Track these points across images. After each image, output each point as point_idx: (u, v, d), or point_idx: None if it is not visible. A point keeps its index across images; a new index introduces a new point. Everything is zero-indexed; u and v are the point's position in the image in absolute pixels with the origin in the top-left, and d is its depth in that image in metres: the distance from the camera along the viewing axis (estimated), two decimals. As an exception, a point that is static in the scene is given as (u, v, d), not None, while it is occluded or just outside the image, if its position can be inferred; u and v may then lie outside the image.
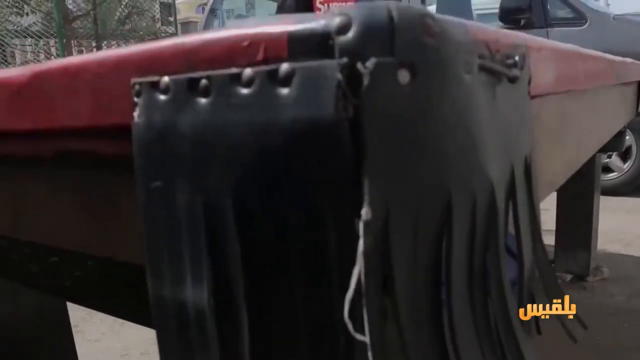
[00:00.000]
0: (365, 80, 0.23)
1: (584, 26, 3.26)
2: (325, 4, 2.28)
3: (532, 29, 3.35)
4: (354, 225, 0.24)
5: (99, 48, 6.35)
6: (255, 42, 0.26)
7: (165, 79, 0.30)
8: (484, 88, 0.29)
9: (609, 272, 2.14)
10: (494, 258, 0.30)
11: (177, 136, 0.29)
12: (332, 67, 0.23)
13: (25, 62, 5.99)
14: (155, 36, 6.87)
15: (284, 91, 0.25)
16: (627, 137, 3.10)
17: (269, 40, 0.26)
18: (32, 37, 5.80)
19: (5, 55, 5.83)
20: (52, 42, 5.89)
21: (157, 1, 7.00)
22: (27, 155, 0.43)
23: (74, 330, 1.14)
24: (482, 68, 0.29)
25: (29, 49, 5.97)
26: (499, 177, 0.31)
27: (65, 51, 5.66)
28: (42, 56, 6.06)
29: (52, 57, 5.97)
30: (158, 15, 7.07)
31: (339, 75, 0.23)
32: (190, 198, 0.30)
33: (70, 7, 5.80)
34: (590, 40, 3.21)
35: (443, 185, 0.26)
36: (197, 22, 6.70)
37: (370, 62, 0.23)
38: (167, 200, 0.31)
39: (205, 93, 0.28)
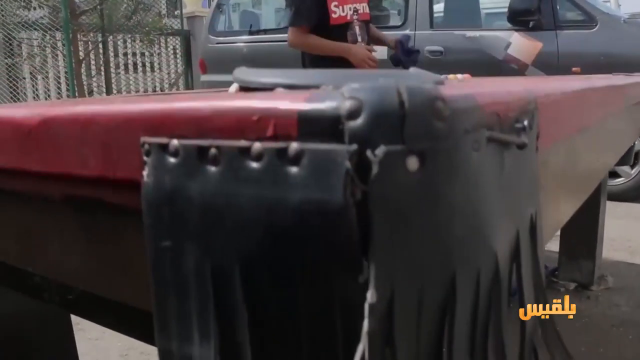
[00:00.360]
0: (374, 169, 0.23)
1: (594, 29, 3.23)
2: (340, 6, 2.28)
3: (540, 30, 3.33)
4: (359, 306, 0.24)
5: (104, 42, 6.35)
6: (265, 117, 0.26)
7: (175, 142, 0.30)
8: (492, 159, 0.29)
9: (613, 282, 2.13)
10: (496, 327, 0.30)
11: (186, 200, 0.30)
12: (341, 154, 0.24)
13: (31, 56, 6.00)
14: (161, 32, 6.85)
15: (293, 170, 0.25)
16: (636, 142, 3.08)
17: (279, 118, 0.26)
18: (38, 29, 5.80)
19: (12, 48, 5.85)
20: (58, 35, 5.90)
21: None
22: (36, 193, 0.43)
23: (75, 328, 1.14)
24: (491, 140, 0.29)
25: (35, 42, 5.98)
26: (504, 246, 0.31)
27: (72, 45, 5.66)
28: (48, 50, 6.06)
29: (59, 51, 5.96)
30: (164, 11, 7.05)
31: (348, 164, 0.23)
32: (199, 260, 0.30)
33: (77, 0, 5.80)
34: (600, 43, 3.19)
35: (448, 266, 0.26)
36: (203, 17, 6.67)
37: (380, 151, 0.23)
38: (175, 260, 0.31)
39: (214, 162, 0.28)
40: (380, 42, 2.56)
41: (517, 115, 0.32)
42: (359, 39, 2.34)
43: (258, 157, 0.26)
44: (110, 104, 0.36)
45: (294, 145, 0.25)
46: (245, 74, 0.36)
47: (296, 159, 0.25)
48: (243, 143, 0.27)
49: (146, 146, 0.31)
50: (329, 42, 2.26)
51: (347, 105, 0.24)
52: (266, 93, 0.32)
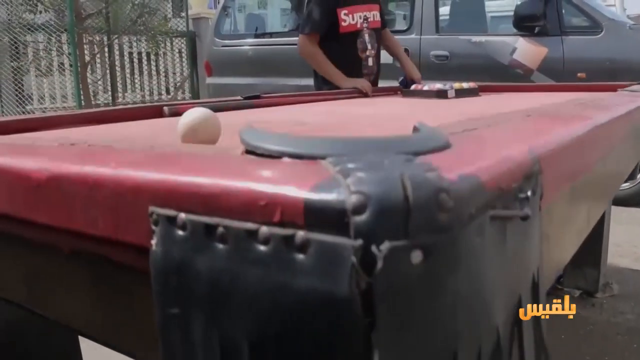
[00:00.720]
0: (379, 264, 0.24)
1: (600, 35, 3.22)
2: (350, 15, 2.29)
3: (546, 36, 3.32)
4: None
5: (110, 46, 6.37)
6: (271, 203, 0.27)
7: (183, 216, 0.31)
8: (495, 239, 0.29)
9: (618, 289, 2.13)
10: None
11: (195, 273, 0.30)
12: (347, 249, 0.24)
13: (37, 59, 6.02)
14: (167, 35, 6.86)
15: (300, 257, 0.26)
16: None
17: (286, 205, 0.26)
18: (43, 30, 5.82)
19: (17, 51, 5.87)
20: (63, 38, 5.91)
21: (169, 1, 6.99)
22: (44, 243, 0.44)
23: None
24: (494, 218, 0.29)
25: (41, 46, 5.99)
26: (505, 314, 0.31)
27: (77, 49, 5.67)
28: (54, 53, 6.08)
29: (64, 54, 5.98)
30: (170, 15, 7.06)
31: (354, 258, 0.24)
32: (207, 330, 0.31)
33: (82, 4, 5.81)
34: (605, 49, 3.18)
35: (450, 347, 0.27)
36: (208, 18, 6.68)
37: (385, 246, 0.24)
38: (183, 327, 0.32)
39: (222, 240, 0.29)
40: (392, 53, 2.57)
41: (520, 184, 0.33)
42: (369, 46, 2.35)
43: (265, 241, 0.27)
44: (119, 162, 0.36)
45: (301, 234, 0.26)
46: (252, 137, 0.36)
47: (303, 247, 0.26)
48: (250, 226, 0.27)
49: (154, 216, 0.32)
50: (330, 67, 2.28)
51: (353, 200, 0.24)
52: (273, 163, 0.32)
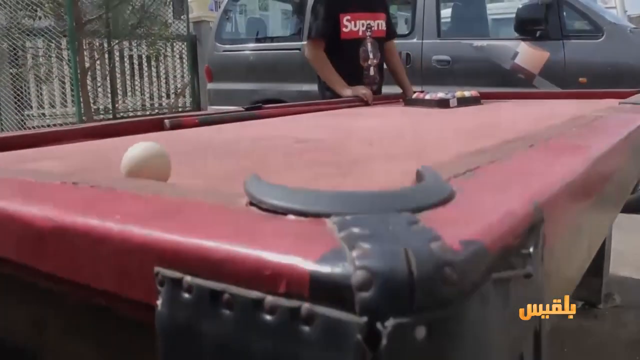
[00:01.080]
0: (384, 340, 0.24)
1: (601, 39, 3.22)
2: (353, 21, 2.29)
3: (547, 40, 3.32)
4: None
5: (110, 52, 6.37)
6: (277, 274, 0.27)
7: (188, 279, 0.31)
8: (498, 299, 0.30)
9: (621, 299, 2.12)
10: None
11: (200, 337, 0.30)
12: (352, 326, 0.24)
13: (36, 65, 6.03)
14: (167, 41, 6.87)
15: (305, 328, 0.26)
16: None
17: (292, 277, 0.26)
18: (42, 35, 5.82)
19: (17, 57, 5.87)
20: (63, 43, 5.92)
21: (170, 7, 7.01)
22: (50, 290, 0.44)
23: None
24: (497, 281, 0.29)
25: (40, 52, 6.01)
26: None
27: (77, 55, 5.68)
28: (53, 59, 6.09)
29: (64, 60, 5.99)
30: (170, 20, 7.07)
31: (359, 336, 0.24)
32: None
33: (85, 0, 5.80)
34: (606, 53, 3.18)
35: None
36: (209, 22, 6.69)
37: (389, 323, 0.24)
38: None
39: (228, 306, 0.29)
40: (391, 69, 2.56)
41: (522, 239, 0.33)
42: (370, 55, 2.34)
43: (271, 311, 0.27)
44: (124, 215, 0.37)
45: (306, 306, 0.26)
46: (257, 189, 0.36)
47: (308, 320, 0.26)
48: (256, 294, 0.28)
49: (160, 276, 0.32)
50: (331, 74, 2.28)
51: (358, 276, 0.25)
52: (278, 224, 0.32)
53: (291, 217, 0.33)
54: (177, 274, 0.31)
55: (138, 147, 0.59)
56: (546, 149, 0.59)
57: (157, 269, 0.32)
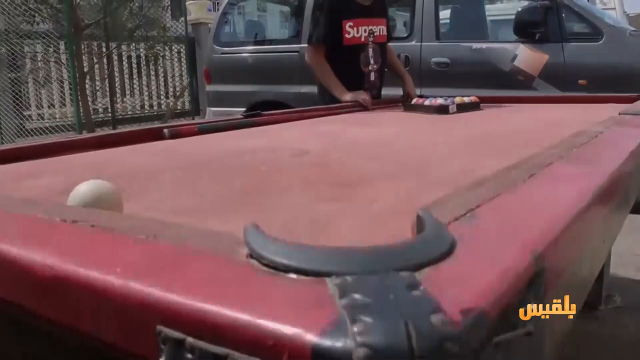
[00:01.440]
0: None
1: (600, 42, 3.21)
2: (355, 27, 2.29)
3: (547, 42, 3.31)
4: None
5: (109, 57, 6.37)
6: (279, 344, 0.27)
7: (191, 340, 0.31)
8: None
9: (621, 300, 2.12)
10: None
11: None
12: (354, 402, 0.24)
13: (35, 69, 6.03)
14: (165, 43, 6.86)
15: (307, 401, 0.26)
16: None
17: (293, 348, 0.27)
18: (41, 39, 5.82)
19: (15, 62, 5.88)
20: (61, 47, 5.92)
21: (168, 11, 7.01)
22: (51, 333, 0.44)
23: None
24: (498, 344, 0.29)
25: (39, 56, 6.01)
26: None
27: (75, 59, 5.68)
28: (52, 63, 6.09)
29: (63, 64, 5.99)
30: (169, 25, 7.06)
31: (361, 416, 0.24)
32: None
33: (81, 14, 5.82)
34: (606, 55, 3.17)
35: None
36: (208, 23, 6.68)
37: (391, 402, 0.24)
38: None
39: (231, 371, 0.29)
40: (394, 71, 2.57)
41: (523, 295, 0.33)
42: (371, 61, 2.34)
43: (274, 380, 0.27)
44: (125, 268, 0.37)
45: (308, 381, 0.26)
46: (257, 242, 0.36)
47: (310, 393, 0.26)
48: (258, 364, 0.28)
49: (162, 335, 0.32)
50: (331, 79, 2.28)
51: (359, 353, 0.25)
52: (279, 286, 0.32)
53: (292, 275, 0.33)
54: (179, 335, 0.31)
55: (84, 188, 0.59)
56: (547, 180, 0.59)
57: (159, 327, 0.32)
